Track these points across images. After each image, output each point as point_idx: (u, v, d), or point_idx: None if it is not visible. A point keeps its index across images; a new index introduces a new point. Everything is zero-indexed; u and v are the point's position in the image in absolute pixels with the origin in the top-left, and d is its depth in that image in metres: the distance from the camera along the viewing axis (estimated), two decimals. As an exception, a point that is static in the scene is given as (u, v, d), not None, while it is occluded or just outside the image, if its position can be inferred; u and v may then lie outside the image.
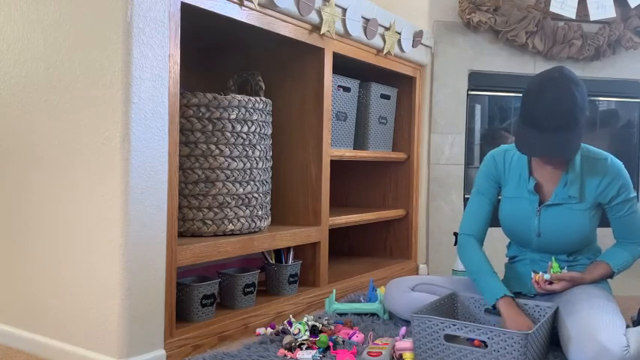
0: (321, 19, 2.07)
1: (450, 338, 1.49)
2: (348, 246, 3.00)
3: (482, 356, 1.43)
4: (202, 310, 1.74)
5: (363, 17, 2.30)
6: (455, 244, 2.54)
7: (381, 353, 1.53)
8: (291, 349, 1.58)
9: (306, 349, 1.59)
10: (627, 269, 1.80)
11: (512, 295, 1.66)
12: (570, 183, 1.72)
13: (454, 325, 1.47)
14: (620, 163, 1.76)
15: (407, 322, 1.87)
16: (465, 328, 1.45)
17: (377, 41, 2.42)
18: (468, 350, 1.45)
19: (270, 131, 2.00)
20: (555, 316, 1.63)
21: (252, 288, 1.93)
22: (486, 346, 1.44)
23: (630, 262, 1.79)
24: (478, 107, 2.99)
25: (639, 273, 2.77)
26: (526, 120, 1.61)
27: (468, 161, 2.93)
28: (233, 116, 1.83)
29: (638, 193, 3.03)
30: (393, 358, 1.56)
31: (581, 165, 1.73)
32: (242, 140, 1.86)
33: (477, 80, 2.92)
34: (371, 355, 1.53)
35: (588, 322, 1.50)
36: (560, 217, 1.74)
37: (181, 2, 1.56)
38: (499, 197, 1.88)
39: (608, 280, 1.81)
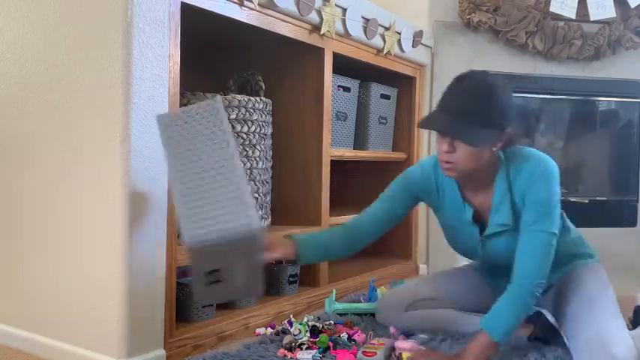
0: (321, 19, 2.07)
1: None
2: (348, 246, 3.00)
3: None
4: (202, 310, 1.74)
5: (363, 17, 2.30)
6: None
7: (375, 353, 1.53)
8: (291, 349, 1.58)
9: (306, 349, 1.59)
10: (512, 326, 1.43)
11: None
12: (496, 208, 1.51)
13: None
14: (547, 169, 1.47)
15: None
16: None
17: (377, 41, 2.42)
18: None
19: (270, 131, 2.00)
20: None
21: (252, 288, 1.93)
22: None
23: (507, 315, 1.42)
24: (478, 107, 2.99)
25: (633, 272, 2.77)
26: (440, 99, 1.45)
27: (468, 161, 2.93)
28: (233, 116, 1.83)
29: (638, 195, 3.05)
30: (391, 357, 1.56)
31: (508, 179, 1.49)
32: (242, 140, 1.86)
33: (477, 80, 2.91)
34: (366, 355, 1.53)
35: (599, 333, 1.44)
36: (502, 245, 1.54)
37: (181, 2, 1.56)
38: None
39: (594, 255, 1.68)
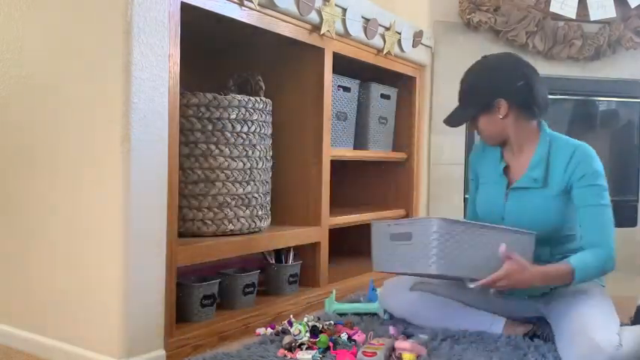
0: (321, 19, 2.07)
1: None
2: (348, 246, 3.00)
3: (410, 246, 1.57)
4: (202, 310, 1.74)
5: (363, 17, 2.30)
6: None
7: (375, 353, 1.53)
8: (291, 349, 1.58)
9: (306, 349, 1.59)
10: (591, 276, 1.59)
11: None
12: (534, 166, 1.71)
13: (397, 224, 1.65)
14: (591, 151, 1.68)
15: (405, 322, 1.87)
16: (401, 225, 1.63)
17: (377, 41, 2.42)
18: (403, 245, 1.59)
19: (270, 131, 2.00)
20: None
21: (252, 288, 1.93)
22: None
23: (594, 266, 1.59)
24: (478, 107, 2.99)
25: (633, 272, 2.77)
26: None
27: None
28: (233, 116, 1.83)
29: (638, 195, 3.05)
30: (391, 357, 1.56)
31: (550, 149, 1.71)
32: (242, 140, 1.86)
33: (477, 80, 2.91)
34: (366, 355, 1.53)
35: (581, 322, 1.50)
36: (524, 202, 1.71)
37: (181, 2, 1.56)
38: None
39: (602, 278, 1.76)
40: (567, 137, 1.75)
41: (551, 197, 1.69)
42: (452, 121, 1.78)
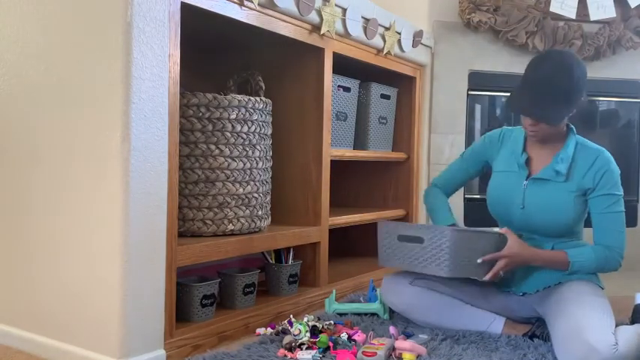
0: (321, 19, 2.07)
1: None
2: (348, 246, 3.00)
3: (422, 249, 1.67)
4: (202, 310, 1.74)
5: (363, 17, 2.30)
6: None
7: (375, 353, 1.53)
8: (291, 349, 1.58)
9: (306, 349, 1.59)
10: (587, 269, 1.69)
11: (455, 223, 1.88)
12: (560, 160, 1.74)
13: (404, 227, 1.74)
14: (611, 159, 1.74)
15: (405, 322, 1.87)
16: (410, 229, 1.72)
17: (377, 41, 2.42)
18: (412, 246, 1.70)
19: (270, 131, 2.00)
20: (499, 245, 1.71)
21: (252, 288, 1.93)
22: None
23: (592, 260, 1.68)
24: (478, 107, 2.99)
25: (633, 272, 2.77)
26: (524, 81, 1.70)
27: (468, 161, 2.93)
28: (233, 116, 1.83)
29: (638, 195, 3.05)
30: (391, 357, 1.56)
31: (575, 149, 1.75)
32: (242, 140, 1.86)
33: (477, 80, 2.92)
34: (366, 355, 1.53)
35: (576, 323, 1.50)
36: (545, 193, 1.75)
37: (181, 2, 1.56)
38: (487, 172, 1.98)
39: (599, 277, 1.78)
40: (591, 142, 1.80)
41: (569, 192, 1.72)
42: (551, 117, 1.66)
